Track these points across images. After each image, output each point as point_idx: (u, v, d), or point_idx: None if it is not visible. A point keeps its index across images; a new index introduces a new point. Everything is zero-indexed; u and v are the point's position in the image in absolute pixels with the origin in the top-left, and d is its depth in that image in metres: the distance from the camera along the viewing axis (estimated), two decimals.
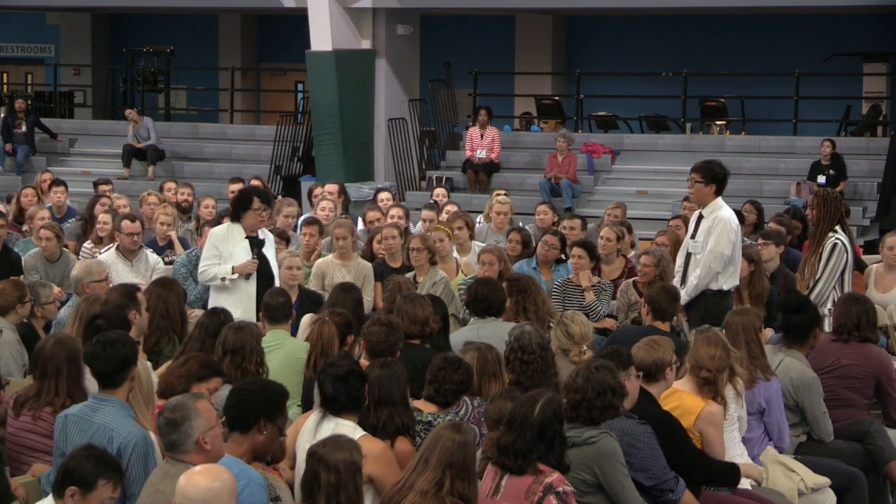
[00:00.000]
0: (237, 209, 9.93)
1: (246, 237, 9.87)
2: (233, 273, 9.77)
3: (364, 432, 6.32)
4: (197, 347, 7.65)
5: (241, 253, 9.84)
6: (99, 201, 13.58)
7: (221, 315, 8.12)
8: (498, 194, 14.40)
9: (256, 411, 5.83)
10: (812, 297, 9.56)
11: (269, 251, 10.04)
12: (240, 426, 5.84)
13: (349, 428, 6.27)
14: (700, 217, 9.62)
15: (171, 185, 15.61)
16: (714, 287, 9.48)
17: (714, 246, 9.42)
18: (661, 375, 7.06)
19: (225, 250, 9.83)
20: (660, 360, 7.04)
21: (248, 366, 7.31)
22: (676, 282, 9.68)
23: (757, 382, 7.67)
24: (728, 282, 9.53)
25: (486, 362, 7.30)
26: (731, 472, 7.08)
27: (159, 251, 12.15)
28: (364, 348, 7.74)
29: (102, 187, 15.27)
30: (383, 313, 8.76)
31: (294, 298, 10.02)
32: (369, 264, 11.47)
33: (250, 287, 9.80)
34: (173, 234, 12.72)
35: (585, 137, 21.98)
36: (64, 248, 11.96)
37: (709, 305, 9.47)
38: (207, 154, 23.45)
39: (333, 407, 6.39)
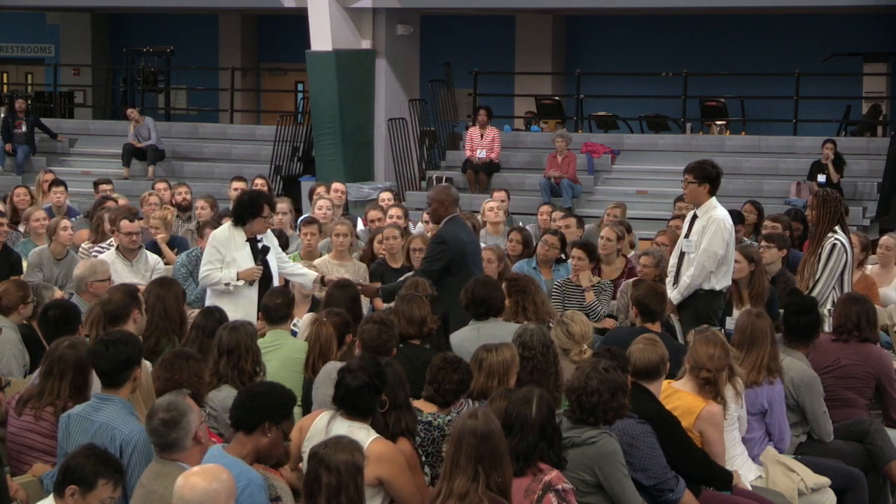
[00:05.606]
0: (246, 214, 9.85)
1: (247, 240, 9.87)
2: (238, 279, 9.76)
3: (377, 435, 6.33)
4: (195, 349, 7.64)
5: (244, 258, 9.81)
6: (105, 203, 13.52)
7: (217, 314, 8.12)
8: (489, 201, 14.18)
9: (262, 413, 5.84)
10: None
11: (271, 255, 10.03)
12: (244, 426, 5.84)
13: (364, 431, 6.27)
14: (694, 217, 9.63)
15: (162, 185, 15.59)
16: (706, 287, 9.48)
17: (707, 245, 9.42)
18: (664, 371, 7.09)
19: (227, 254, 9.78)
20: (664, 356, 7.08)
21: (244, 365, 7.29)
22: (669, 281, 9.69)
23: (761, 383, 7.68)
24: (721, 282, 9.52)
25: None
26: (726, 477, 7.11)
27: (158, 252, 12.14)
28: (360, 347, 7.74)
29: (103, 187, 15.27)
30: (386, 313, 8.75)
31: (308, 307, 10.04)
32: (364, 265, 11.50)
33: (252, 292, 9.77)
34: (161, 237, 12.62)
35: (585, 137, 21.98)
36: (69, 248, 12.00)
37: (701, 305, 9.47)
38: (207, 154, 23.44)
39: (345, 409, 6.40)
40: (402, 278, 10.35)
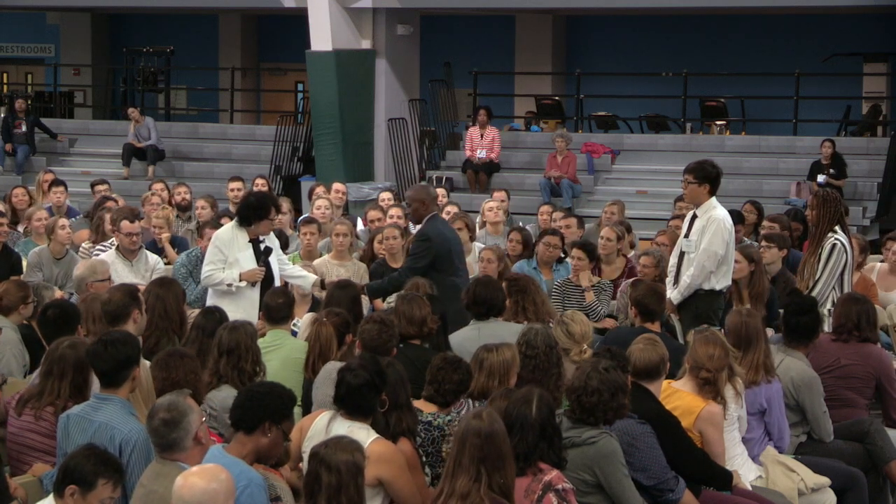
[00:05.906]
0: (252, 216, 9.85)
1: (249, 241, 9.86)
2: (240, 280, 9.75)
3: (378, 435, 6.33)
4: (195, 349, 7.65)
5: (247, 259, 9.81)
6: (105, 203, 13.51)
7: (217, 314, 8.12)
8: (489, 201, 14.17)
9: (263, 413, 5.84)
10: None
11: (273, 256, 10.03)
12: (245, 426, 5.85)
13: (364, 431, 6.27)
14: (694, 216, 9.63)
15: (159, 185, 15.54)
16: (706, 287, 9.48)
17: (707, 245, 9.42)
18: (664, 371, 7.09)
19: (230, 255, 9.78)
20: (664, 356, 7.08)
21: (244, 365, 7.29)
22: (669, 281, 9.69)
23: (759, 383, 7.68)
24: (721, 281, 9.53)
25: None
26: (726, 477, 7.11)
27: (159, 252, 12.14)
28: (360, 346, 7.74)
29: (99, 187, 15.26)
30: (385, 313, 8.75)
31: (307, 307, 10.05)
32: (364, 265, 11.51)
33: (254, 293, 9.77)
34: (165, 236, 12.64)
35: (585, 137, 21.98)
36: (69, 248, 12.01)
37: (701, 305, 9.48)
38: (207, 154, 23.44)
39: (346, 409, 6.40)
40: (386, 277, 10.52)
